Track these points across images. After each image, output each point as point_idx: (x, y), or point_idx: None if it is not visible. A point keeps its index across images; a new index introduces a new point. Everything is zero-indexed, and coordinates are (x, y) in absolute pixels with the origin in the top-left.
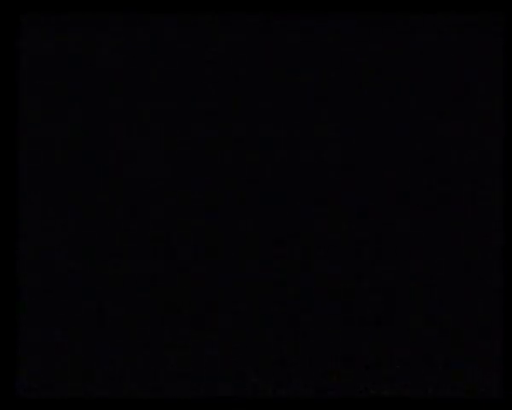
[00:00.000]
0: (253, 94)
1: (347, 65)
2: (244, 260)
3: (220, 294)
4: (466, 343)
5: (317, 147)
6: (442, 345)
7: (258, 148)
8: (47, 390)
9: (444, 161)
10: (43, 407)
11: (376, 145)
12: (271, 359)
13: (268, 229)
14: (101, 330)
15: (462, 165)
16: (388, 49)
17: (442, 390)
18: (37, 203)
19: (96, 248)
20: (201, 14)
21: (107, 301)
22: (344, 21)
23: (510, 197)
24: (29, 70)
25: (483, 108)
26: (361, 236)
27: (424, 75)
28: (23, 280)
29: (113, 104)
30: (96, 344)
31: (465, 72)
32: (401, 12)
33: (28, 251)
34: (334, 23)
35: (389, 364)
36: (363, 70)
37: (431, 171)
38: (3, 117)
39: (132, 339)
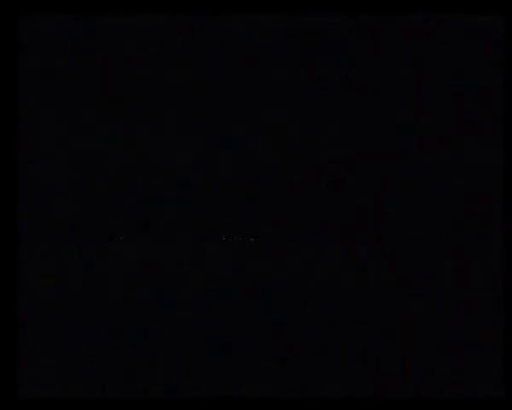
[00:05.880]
0: (252, 95)
1: (347, 65)
2: (240, 259)
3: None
4: (466, 343)
5: (315, 147)
6: (442, 345)
7: (256, 148)
8: (47, 390)
9: (443, 161)
10: (43, 407)
11: (375, 145)
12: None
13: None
14: (101, 330)
15: (462, 165)
16: (388, 50)
17: (442, 390)
18: (37, 204)
19: (96, 250)
20: (202, 15)
21: (107, 301)
22: (344, 21)
23: (510, 197)
24: (29, 69)
25: (483, 108)
26: (359, 234)
27: (424, 75)
28: (23, 281)
29: (113, 104)
30: (96, 344)
31: (465, 72)
32: (401, 12)
33: (28, 252)
34: (334, 23)
35: (389, 363)
36: (362, 70)
37: (430, 171)
38: (4, 116)
39: (131, 339)
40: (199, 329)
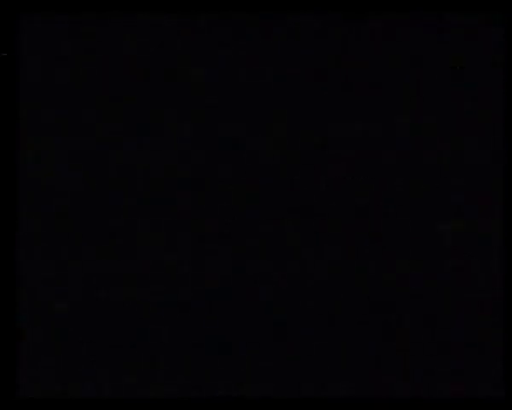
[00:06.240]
0: (252, 95)
1: (347, 65)
2: (239, 258)
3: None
4: (466, 343)
5: (315, 147)
6: (442, 345)
7: (256, 147)
8: (47, 390)
9: (443, 161)
10: (43, 407)
11: (375, 145)
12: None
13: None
14: (101, 330)
15: (462, 165)
16: (387, 50)
17: (442, 390)
18: (37, 205)
19: (97, 249)
20: (202, 15)
21: (108, 301)
22: (344, 21)
23: (510, 196)
24: (29, 69)
25: (483, 108)
26: (359, 234)
27: (424, 75)
28: (23, 280)
29: (113, 104)
30: (96, 344)
31: (465, 72)
32: (400, 11)
33: (28, 252)
34: (334, 23)
35: (390, 364)
36: (362, 70)
37: (429, 171)
38: (4, 116)
39: (132, 338)
40: (199, 329)
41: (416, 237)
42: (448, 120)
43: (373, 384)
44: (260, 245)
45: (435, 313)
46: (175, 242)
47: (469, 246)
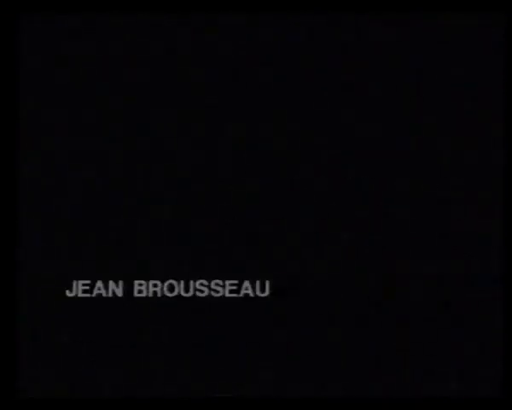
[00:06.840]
0: (253, 94)
1: (347, 65)
2: (243, 257)
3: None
4: (466, 343)
5: (316, 146)
6: (442, 345)
7: (257, 147)
8: (47, 390)
9: (443, 161)
10: (43, 407)
11: (375, 145)
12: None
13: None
14: (100, 329)
15: (462, 165)
16: (387, 50)
17: (442, 390)
18: (37, 204)
19: (97, 249)
20: (202, 14)
21: (108, 301)
22: (344, 21)
23: (510, 197)
24: (29, 69)
25: (483, 108)
26: (359, 234)
27: (424, 75)
28: (23, 279)
29: (113, 104)
30: (96, 344)
31: (465, 72)
32: (401, 11)
33: (28, 250)
34: (334, 22)
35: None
36: (362, 69)
37: (429, 171)
38: (4, 116)
39: (132, 338)
40: (199, 329)
41: (416, 236)
42: (448, 120)
43: (373, 384)
44: (260, 244)
45: (435, 312)
46: (175, 241)
47: (469, 246)
